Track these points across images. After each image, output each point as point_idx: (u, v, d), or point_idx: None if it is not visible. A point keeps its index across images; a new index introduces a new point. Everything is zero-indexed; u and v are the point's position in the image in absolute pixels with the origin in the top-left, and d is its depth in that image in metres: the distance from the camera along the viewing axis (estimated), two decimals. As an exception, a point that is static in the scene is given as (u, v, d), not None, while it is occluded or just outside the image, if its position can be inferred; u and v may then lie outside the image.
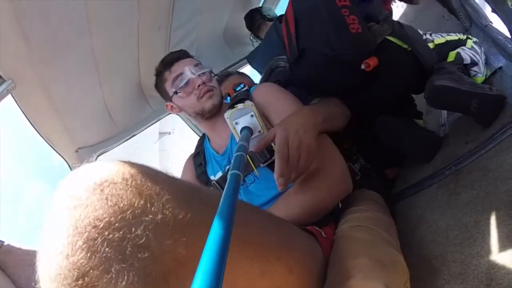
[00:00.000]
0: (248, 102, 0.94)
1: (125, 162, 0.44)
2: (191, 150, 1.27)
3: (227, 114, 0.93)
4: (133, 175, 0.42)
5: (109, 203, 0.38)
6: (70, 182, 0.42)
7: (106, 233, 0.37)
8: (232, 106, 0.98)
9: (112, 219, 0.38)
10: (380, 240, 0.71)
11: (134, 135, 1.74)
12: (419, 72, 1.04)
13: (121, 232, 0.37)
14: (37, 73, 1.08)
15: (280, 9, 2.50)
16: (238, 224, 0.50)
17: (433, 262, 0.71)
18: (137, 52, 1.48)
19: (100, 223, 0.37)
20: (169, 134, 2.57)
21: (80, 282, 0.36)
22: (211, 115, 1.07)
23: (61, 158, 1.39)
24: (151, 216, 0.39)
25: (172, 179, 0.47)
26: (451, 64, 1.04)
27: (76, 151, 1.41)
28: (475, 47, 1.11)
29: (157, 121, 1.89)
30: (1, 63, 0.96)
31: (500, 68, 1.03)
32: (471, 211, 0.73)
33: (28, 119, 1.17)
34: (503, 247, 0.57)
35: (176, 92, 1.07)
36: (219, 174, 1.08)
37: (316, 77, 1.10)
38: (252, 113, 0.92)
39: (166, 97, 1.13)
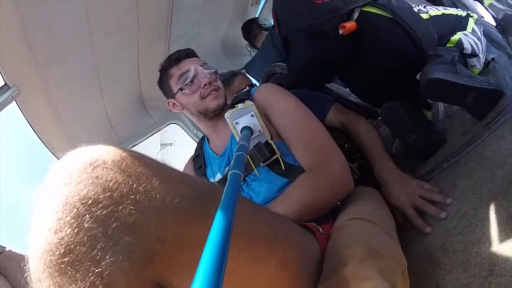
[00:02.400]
0: (248, 102, 0.95)
1: (116, 146, 0.45)
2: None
3: (227, 114, 0.94)
4: (123, 157, 0.43)
5: (99, 181, 0.39)
6: (62, 163, 0.43)
7: (94, 209, 0.38)
8: (232, 106, 0.98)
9: (101, 197, 0.38)
10: (375, 230, 0.71)
11: (135, 145, 1.75)
12: (414, 48, 1.00)
13: (108, 210, 0.38)
14: (40, 80, 1.11)
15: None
16: (250, 215, 0.53)
17: (434, 254, 0.70)
18: (137, 62, 1.52)
19: (88, 200, 0.38)
20: (171, 145, 2.60)
21: (66, 258, 0.36)
22: (214, 115, 1.06)
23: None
24: (138, 196, 0.40)
25: (163, 165, 0.48)
26: (448, 51, 0.99)
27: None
28: (476, 29, 1.05)
29: (157, 131, 1.92)
30: (6, 70, 0.99)
31: (493, 59, 1.03)
32: (469, 200, 0.72)
33: (30, 126, 1.20)
34: (503, 232, 0.56)
35: (181, 89, 1.05)
36: (218, 176, 1.07)
37: (306, 60, 1.11)
38: (253, 113, 0.93)
39: (169, 94, 1.10)
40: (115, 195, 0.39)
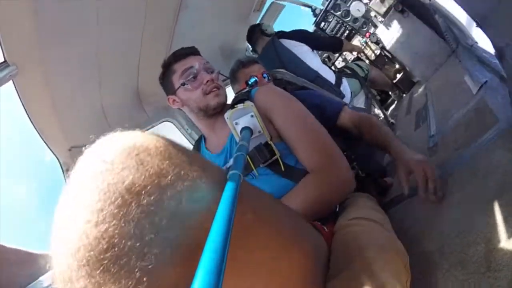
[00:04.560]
0: (248, 103, 0.95)
1: (152, 133, 0.43)
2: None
3: (227, 114, 0.94)
4: (165, 144, 0.40)
5: (144, 168, 0.36)
6: (99, 147, 0.40)
7: (141, 198, 0.35)
8: (232, 106, 0.98)
9: (148, 184, 0.35)
10: (378, 227, 0.74)
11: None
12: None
13: (156, 199, 0.35)
14: (41, 62, 1.08)
15: (277, 26, 2.61)
16: (261, 207, 0.52)
17: (432, 257, 0.74)
18: (139, 56, 1.51)
19: (135, 187, 0.35)
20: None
21: (109, 254, 0.33)
22: (214, 113, 1.06)
23: (53, 155, 1.37)
24: (185, 184, 0.38)
25: (196, 153, 0.49)
26: None
27: (69, 150, 1.38)
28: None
29: (151, 128, 1.90)
30: (7, 47, 0.96)
31: (485, 82, 1.10)
32: (463, 206, 0.76)
33: (25, 110, 1.15)
34: (498, 231, 0.60)
35: (183, 84, 1.05)
36: None
37: None
38: (252, 113, 0.92)
39: (171, 89, 1.10)
40: (162, 183, 0.36)
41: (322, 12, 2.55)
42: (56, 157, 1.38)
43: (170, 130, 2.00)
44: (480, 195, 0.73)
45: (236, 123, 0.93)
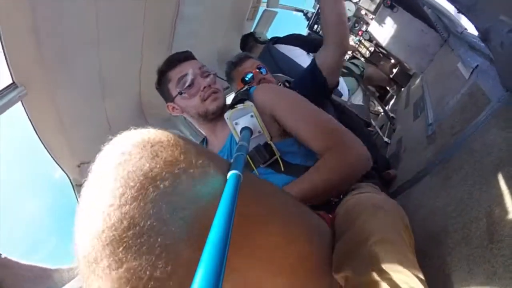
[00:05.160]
0: (248, 103, 0.94)
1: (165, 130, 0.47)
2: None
3: (227, 114, 0.94)
4: (176, 138, 0.45)
5: (159, 157, 0.41)
6: (117, 142, 0.44)
7: (158, 183, 0.39)
8: (232, 106, 0.98)
9: (163, 171, 0.40)
10: (379, 195, 0.80)
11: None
12: None
13: (171, 183, 0.39)
14: (47, 82, 1.12)
15: (271, 33, 2.66)
16: (264, 198, 0.54)
17: (436, 237, 0.76)
18: (139, 69, 1.56)
19: (152, 174, 0.39)
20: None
21: (131, 232, 0.36)
22: (214, 117, 1.05)
23: (63, 172, 1.41)
24: (196, 171, 0.42)
25: (202, 146, 0.52)
26: None
27: (78, 166, 1.42)
28: None
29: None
30: (15, 70, 1.00)
31: (477, 66, 1.12)
32: (463, 186, 0.78)
33: (34, 129, 1.19)
34: (497, 205, 0.62)
35: (180, 93, 1.04)
36: None
37: None
38: (252, 113, 0.92)
39: (169, 97, 1.09)
40: (175, 170, 0.41)
41: (314, 15, 2.60)
42: (66, 174, 1.41)
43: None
44: (478, 174, 0.75)
45: (236, 123, 0.93)
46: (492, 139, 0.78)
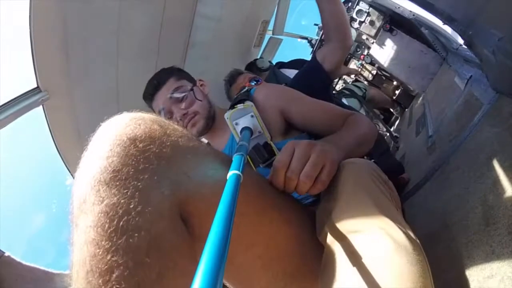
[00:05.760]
0: (248, 103, 0.95)
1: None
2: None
3: (227, 115, 0.95)
4: (157, 117, 0.53)
5: (141, 127, 0.49)
6: (108, 121, 0.52)
7: (137, 143, 0.47)
8: (232, 106, 0.98)
9: (143, 135, 0.48)
10: None
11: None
12: None
13: (148, 144, 0.48)
14: (69, 91, 1.21)
15: (277, 58, 2.78)
16: (254, 188, 0.59)
17: (437, 233, 0.78)
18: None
19: (133, 136, 0.47)
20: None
21: (113, 174, 0.44)
22: (203, 133, 1.08)
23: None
24: (170, 139, 0.50)
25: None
26: None
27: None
28: None
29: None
30: (41, 74, 1.08)
31: (471, 77, 1.17)
32: (459, 183, 0.81)
33: (51, 134, 1.26)
34: (490, 192, 0.65)
35: None
36: None
37: None
38: (252, 113, 0.94)
39: None
40: (153, 135, 0.49)
41: (317, 41, 2.72)
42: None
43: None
44: (473, 169, 0.78)
45: (236, 124, 0.94)
46: (485, 136, 0.82)
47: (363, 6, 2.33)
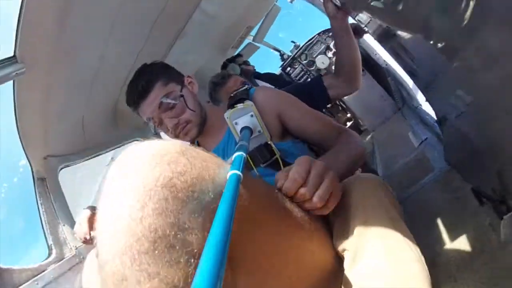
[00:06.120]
0: (248, 102, 0.94)
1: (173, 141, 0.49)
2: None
3: (227, 114, 0.94)
4: (184, 149, 0.47)
5: (171, 166, 0.42)
6: (127, 154, 0.45)
7: (175, 192, 0.40)
8: (232, 106, 0.96)
9: (178, 180, 0.41)
10: None
11: (98, 155, 1.74)
12: None
13: (187, 191, 0.41)
14: (49, 68, 1.10)
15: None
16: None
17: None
18: (126, 79, 1.58)
19: (168, 183, 0.41)
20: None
21: (158, 243, 0.37)
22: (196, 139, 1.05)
23: (27, 161, 1.34)
24: (206, 178, 0.45)
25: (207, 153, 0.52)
26: None
27: (45, 158, 1.36)
28: None
29: (122, 145, 1.92)
30: (23, 42, 0.95)
31: (426, 139, 1.38)
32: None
33: (14, 110, 1.13)
34: (435, 244, 0.79)
35: (154, 130, 1.03)
36: None
37: None
38: (252, 113, 0.92)
39: None
40: (188, 179, 0.42)
41: (290, 58, 2.84)
42: (30, 164, 1.34)
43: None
44: (422, 219, 0.94)
45: (236, 123, 0.93)
46: (433, 196, 1.00)
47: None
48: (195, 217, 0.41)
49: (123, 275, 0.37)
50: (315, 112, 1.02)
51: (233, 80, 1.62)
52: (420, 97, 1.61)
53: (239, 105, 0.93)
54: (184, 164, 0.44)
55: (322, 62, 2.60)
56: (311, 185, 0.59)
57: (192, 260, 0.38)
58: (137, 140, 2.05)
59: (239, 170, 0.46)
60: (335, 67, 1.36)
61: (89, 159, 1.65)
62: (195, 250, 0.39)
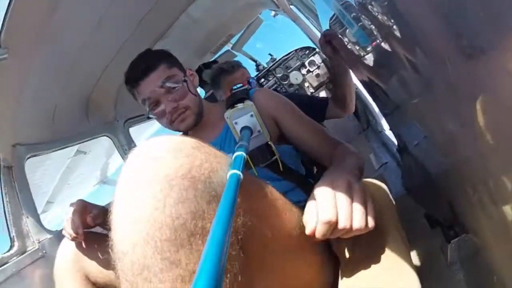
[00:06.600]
0: (248, 102, 0.94)
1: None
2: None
3: (227, 114, 0.94)
4: (200, 143, 0.49)
5: (190, 159, 0.45)
6: (146, 146, 0.46)
7: (195, 182, 0.43)
8: (231, 106, 0.96)
9: (197, 171, 0.44)
10: None
11: (67, 147, 1.69)
12: None
13: (206, 182, 0.44)
14: (32, 54, 1.06)
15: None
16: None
17: None
18: (103, 71, 1.55)
19: (188, 174, 0.43)
20: (84, 154, 2.43)
21: (179, 233, 0.39)
22: (189, 130, 1.03)
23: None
24: (218, 171, 0.47)
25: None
26: None
27: (13, 146, 1.29)
28: None
29: (92, 139, 1.87)
30: (7, 32, 0.93)
31: (386, 163, 1.50)
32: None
33: None
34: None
35: (148, 113, 1.00)
36: None
37: None
38: (252, 113, 0.92)
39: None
40: (206, 172, 0.45)
41: (265, 70, 2.91)
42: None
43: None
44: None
45: (236, 123, 0.93)
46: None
47: (317, 58, 2.63)
48: (213, 206, 0.42)
49: (144, 265, 0.38)
50: (313, 123, 1.03)
51: (241, 72, 1.60)
52: (384, 123, 1.75)
53: (239, 105, 0.93)
54: (200, 158, 0.46)
55: (296, 78, 2.69)
56: (344, 219, 0.52)
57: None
58: (106, 136, 2.02)
59: (239, 170, 0.47)
60: (334, 98, 1.44)
61: (57, 150, 1.59)
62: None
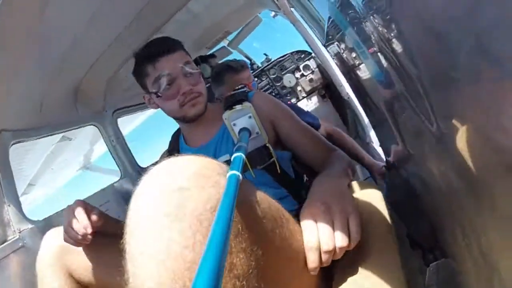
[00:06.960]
0: (246, 104, 0.95)
1: (203, 156, 0.49)
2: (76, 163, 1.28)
3: (225, 115, 0.94)
4: (212, 164, 0.48)
5: (215, 188, 0.44)
6: (171, 173, 0.44)
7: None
8: (230, 107, 0.96)
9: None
10: None
11: (53, 134, 1.65)
12: None
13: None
14: (18, 46, 1.03)
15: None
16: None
17: None
18: (95, 61, 1.51)
19: (214, 206, 0.42)
20: (70, 140, 2.38)
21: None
22: (194, 120, 1.02)
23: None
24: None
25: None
26: None
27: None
28: None
29: (78, 127, 1.84)
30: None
31: (370, 176, 1.53)
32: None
33: None
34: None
35: (157, 95, 0.97)
36: None
37: None
38: (250, 114, 0.93)
39: (145, 89, 1.03)
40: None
41: (259, 69, 2.91)
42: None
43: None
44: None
45: (234, 124, 0.93)
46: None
47: (312, 63, 2.64)
48: (238, 240, 0.42)
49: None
50: (310, 129, 1.06)
51: (247, 73, 1.60)
52: (373, 135, 1.78)
53: (238, 106, 0.94)
54: (224, 185, 0.44)
55: (289, 80, 2.70)
56: (326, 243, 0.57)
57: (237, 283, 0.40)
58: (94, 125, 1.99)
59: (238, 171, 0.47)
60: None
61: (43, 137, 1.55)
62: (239, 272, 0.40)
